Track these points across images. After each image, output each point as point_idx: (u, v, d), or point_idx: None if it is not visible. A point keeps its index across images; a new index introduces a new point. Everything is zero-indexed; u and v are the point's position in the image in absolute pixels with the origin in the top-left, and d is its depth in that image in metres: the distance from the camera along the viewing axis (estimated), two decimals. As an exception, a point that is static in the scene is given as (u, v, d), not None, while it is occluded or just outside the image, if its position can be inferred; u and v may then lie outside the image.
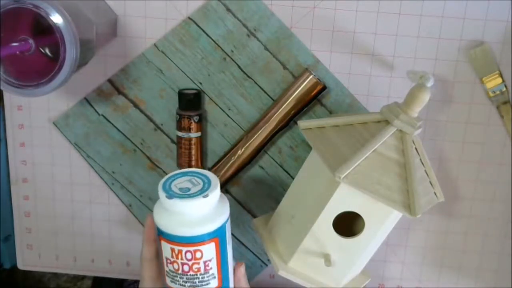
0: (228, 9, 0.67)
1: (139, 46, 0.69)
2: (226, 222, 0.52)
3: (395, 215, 0.59)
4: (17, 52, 0.56)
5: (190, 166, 0.70)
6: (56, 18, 0.53)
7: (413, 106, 0.57)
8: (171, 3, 0.67)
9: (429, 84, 0.58)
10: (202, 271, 0.51)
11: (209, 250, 0.50)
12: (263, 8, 0.67)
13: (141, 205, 0.75)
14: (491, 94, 0.68)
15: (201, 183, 0.51)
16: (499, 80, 0.67)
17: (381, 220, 0.58)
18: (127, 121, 0.72)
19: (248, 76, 0.69)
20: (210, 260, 0.51)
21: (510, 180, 0.71)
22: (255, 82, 0.69)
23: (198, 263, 0.50)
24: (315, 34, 0.67)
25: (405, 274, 0.76)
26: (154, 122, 0.71)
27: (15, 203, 0.76)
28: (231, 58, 0.69)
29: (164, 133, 0.72)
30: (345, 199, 0.57)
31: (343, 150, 0.58)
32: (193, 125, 0.69)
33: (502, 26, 0.66)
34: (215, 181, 0.52)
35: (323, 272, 0.62)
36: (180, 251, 0.50)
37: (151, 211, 0.74)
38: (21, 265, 0.79)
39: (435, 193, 0.60)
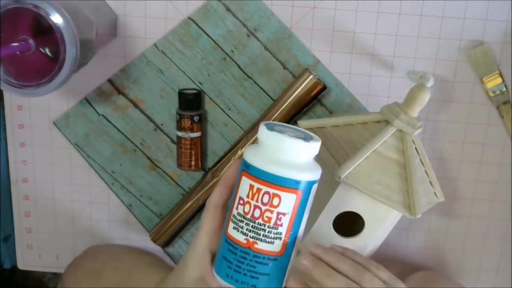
0: (228, 9, 0.67)
1: (139, 46, 0.69)
2: (314, 183, 0.48)
3: (395, 215, 0.59)
4: (17, 52, 0.56)
5: (190, 166, 0.70)
6: (56, 18, 0.53)
7: (413, 106, 0.57)
8: (171, 3, 0.67)
9: (429, 84, 0.58)
10: (271, 223, 0.47)
11: (287, 201, 0.47)
12: (263, 8, 0.67)
13: (141, 205, 0.75)
14: (491, 94, 0.68)
15: (303, 134, 0.49)
16: (499, 80, 0.67)
17: (381, 220, 0.58)
18: (127, 121, 0.72)
19: (248, 76, 0.69)
20: (284, 215, 0.47)
21: (510, 180, 0.71)
22: (255, 82, 0.69)
23: (271, 212, 0.47)
24: (315, 34, 0.67)
25: (405, 274, 0.76)
26: (154, 122, 0.71)
27: (15, 203, 0.76)
28: (231, 58, 0.69)
29: (164, 133, 0.72)
30: (345, 199, 0.57)
31: (343, 150, 0.58)
32: (193, 125, 0.69)
33: (502, 26, 0.66)
34: (317, 138, 0.49)
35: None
36: (258, 190, 0.46)
37: (151, 211, 0.75)
38: (21, 265, 0.79)
39: (435, 193, 0.60)
